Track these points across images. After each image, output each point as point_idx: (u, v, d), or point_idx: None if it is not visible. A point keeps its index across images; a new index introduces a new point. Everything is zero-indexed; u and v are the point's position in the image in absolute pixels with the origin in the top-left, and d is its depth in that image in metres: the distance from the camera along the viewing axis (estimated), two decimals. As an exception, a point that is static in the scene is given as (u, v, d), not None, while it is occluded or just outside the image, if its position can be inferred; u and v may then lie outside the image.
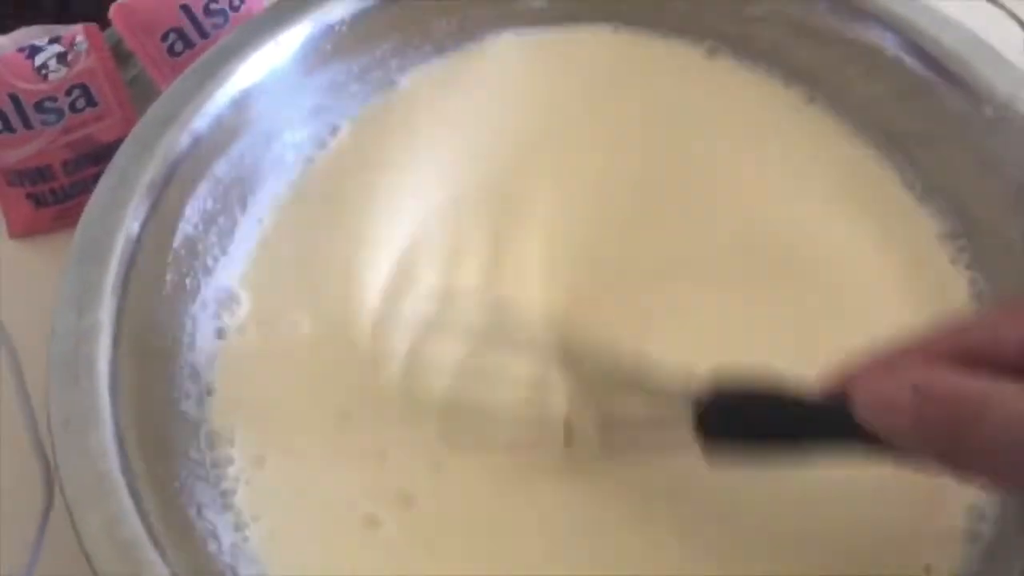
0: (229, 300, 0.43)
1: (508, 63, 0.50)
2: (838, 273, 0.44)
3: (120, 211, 0.39)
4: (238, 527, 0.37)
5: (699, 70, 0.50)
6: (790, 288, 0.44)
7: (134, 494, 0.33)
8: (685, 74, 0.50)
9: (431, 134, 0.48)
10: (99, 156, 0.51)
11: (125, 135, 0.46)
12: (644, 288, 0.44)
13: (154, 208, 0.40)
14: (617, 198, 0.47)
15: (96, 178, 0.49)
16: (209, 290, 0.43)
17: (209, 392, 0.41)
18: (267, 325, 0.43)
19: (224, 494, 0.38)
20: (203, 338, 0.42)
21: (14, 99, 0.49)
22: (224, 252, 0.44)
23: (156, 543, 0.33)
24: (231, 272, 0.44)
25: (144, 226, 0.40)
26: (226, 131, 0.44)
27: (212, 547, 0.36)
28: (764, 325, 0.42)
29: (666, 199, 0.46)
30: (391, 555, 0.38)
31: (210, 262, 0.43)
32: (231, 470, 0.39)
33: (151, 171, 0.41)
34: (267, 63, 0.45)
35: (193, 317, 0.42)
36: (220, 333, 0.42)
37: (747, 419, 0.34)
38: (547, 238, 0.46)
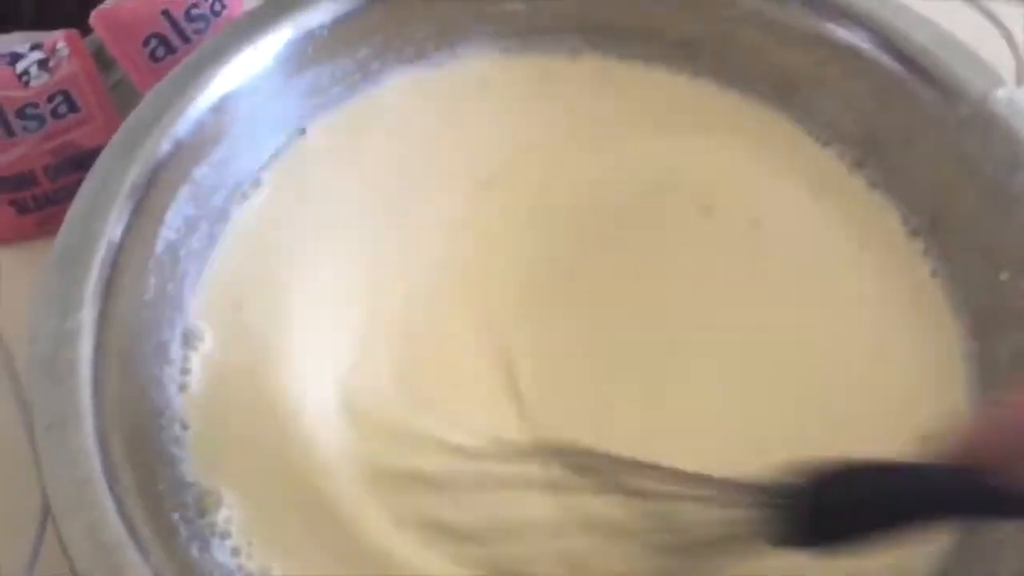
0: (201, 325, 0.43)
1: (485, 85, 0.51)
2: (809, 273, 0.44)
3: (102, 216, 0.40)
4: (223, 536, 0.38)
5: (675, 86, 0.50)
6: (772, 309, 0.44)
7: (116, 497, 0.33)
8: (658, 90, 0.50)
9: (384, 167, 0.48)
10: (82, 161, 0.51)
11: (108, 140, 0.46)
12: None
13: (136, 213, 0.41)
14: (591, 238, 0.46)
15: (79, 183, 0.50)
16: (192, 296, 0.43)
17: (184, 427, 0.41)
18: (231, 370, 0.43)
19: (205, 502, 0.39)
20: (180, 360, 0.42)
21: (-5, 106, 0.49)
22: (204, 262, 0.44)
23: (139, 546, 0.33)
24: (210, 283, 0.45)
25: (126, 231, 0.40)
26: (207, 136, 0.44)
27: (195, 550, 0.36)
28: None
29: (646, 237, 0.46)
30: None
31: (192, 269, 0.43)
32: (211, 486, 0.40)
33: (132, 176, 0.41)
34: (247, 68, 0.45)
35: (175, 324, 0.42)
36: (188, 365, 0.42)
37: (864, 506, 0.30)
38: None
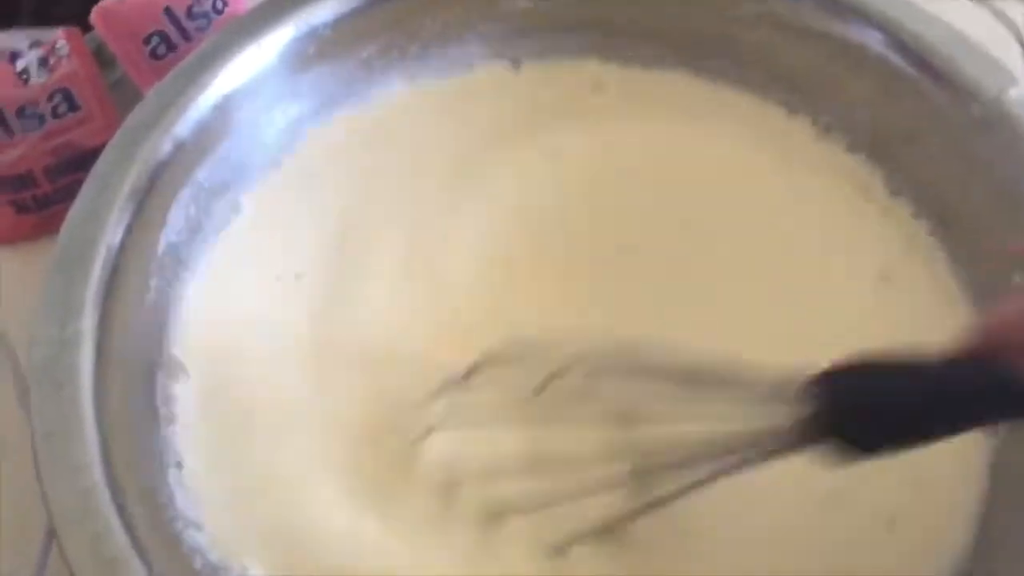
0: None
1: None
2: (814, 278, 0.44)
3: (102, 219, 0.39)
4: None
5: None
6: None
7: (120, 508, 0.33)
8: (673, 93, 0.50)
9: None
10: (82, 162, 0.50)
11: (108, 140, 0.45)
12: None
13: (137, 215, 0.40)
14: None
15: (79, 184, 0.49)
16: (192, 296, 0.43)
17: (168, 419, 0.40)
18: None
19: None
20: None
21: (-6, 105, 0.48)
22: (208, 264, 0.44)
23: (143, 558, 0.32)
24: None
25: (127, 233, 0.40)
26: (209, 136, 0.43)
27: (198, 563, 0.36)
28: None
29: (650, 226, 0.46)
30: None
31: (194, 272, 0.43)
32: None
33: (133, 178, 0.40)
34: (250, 67, 0.44)
35: (177, 327, 0.42)
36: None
37: (884, 401, 0.29)
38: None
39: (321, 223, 0.46)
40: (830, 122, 0.48)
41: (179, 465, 0.38)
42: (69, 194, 0.50)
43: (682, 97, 0.50)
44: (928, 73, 0.44)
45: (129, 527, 0.33)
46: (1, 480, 0.43)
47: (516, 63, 0.51)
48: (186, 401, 0.40)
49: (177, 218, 0.42)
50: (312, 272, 0.45)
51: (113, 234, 0.39)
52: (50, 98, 0.49)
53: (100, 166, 0.41)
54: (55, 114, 0.49)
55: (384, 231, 0.46)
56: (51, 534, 0.40)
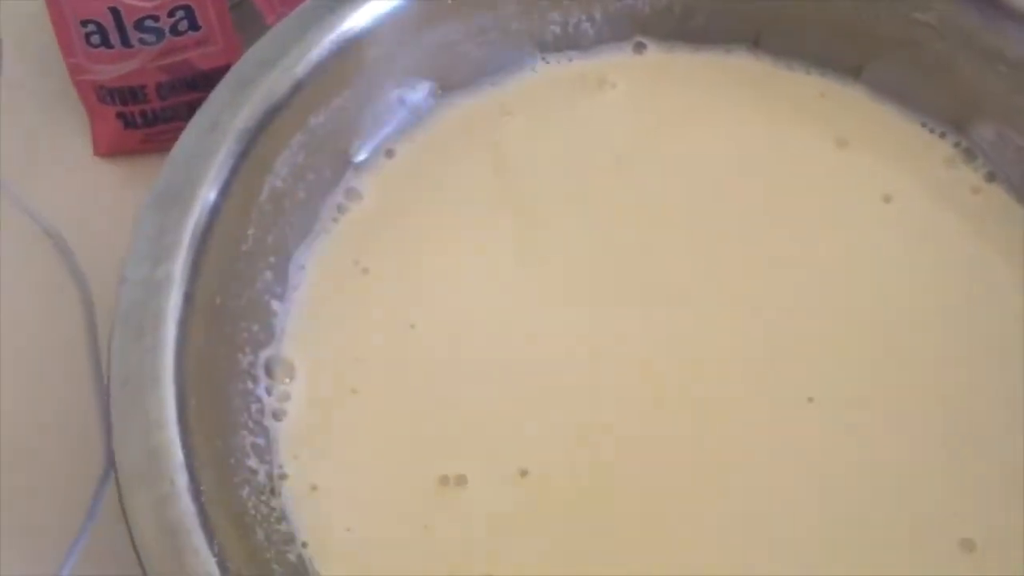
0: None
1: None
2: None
3: (208, 157, 0.37)
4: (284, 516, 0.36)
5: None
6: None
7: (190, 470, 0.31)
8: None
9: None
10: (195, 83, 0.48)
11: (224, 65, 0.44)
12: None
13: (244, 157, 0.38)
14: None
15: (189, 105, 0.48)
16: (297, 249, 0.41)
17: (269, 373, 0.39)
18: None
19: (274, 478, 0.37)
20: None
21: (115, 13, 0.47)
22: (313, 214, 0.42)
23: (206, 527, 0.30)
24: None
25: (232, 176, 0.37)
26: (328, 81, 0.41)
27: (260, 535, 0.34)
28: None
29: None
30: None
31: (297, 221, 0.41)
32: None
33: (245, 117, 0.38)
34: (380, 11, 0.42)
35: (271, 278, 0.40)
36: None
37: None
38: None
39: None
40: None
41: (260, 427, 0.37)
42: (176, 114, 0.49)
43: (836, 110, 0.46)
44: None
45: (196, 492, 0.31)
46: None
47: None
48: (281, 362, 0.39)
49: (284, 163, 0.40)
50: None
51: (219, 174, 0.37)
52: (171, 14, 0.47)
53: (212, 102, 0.38)
54: (174, 31, 0.48)
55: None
56: (103, 486, 0.40)
